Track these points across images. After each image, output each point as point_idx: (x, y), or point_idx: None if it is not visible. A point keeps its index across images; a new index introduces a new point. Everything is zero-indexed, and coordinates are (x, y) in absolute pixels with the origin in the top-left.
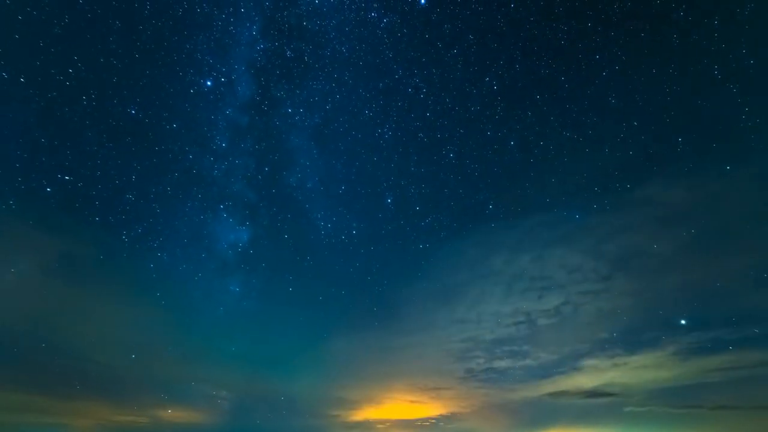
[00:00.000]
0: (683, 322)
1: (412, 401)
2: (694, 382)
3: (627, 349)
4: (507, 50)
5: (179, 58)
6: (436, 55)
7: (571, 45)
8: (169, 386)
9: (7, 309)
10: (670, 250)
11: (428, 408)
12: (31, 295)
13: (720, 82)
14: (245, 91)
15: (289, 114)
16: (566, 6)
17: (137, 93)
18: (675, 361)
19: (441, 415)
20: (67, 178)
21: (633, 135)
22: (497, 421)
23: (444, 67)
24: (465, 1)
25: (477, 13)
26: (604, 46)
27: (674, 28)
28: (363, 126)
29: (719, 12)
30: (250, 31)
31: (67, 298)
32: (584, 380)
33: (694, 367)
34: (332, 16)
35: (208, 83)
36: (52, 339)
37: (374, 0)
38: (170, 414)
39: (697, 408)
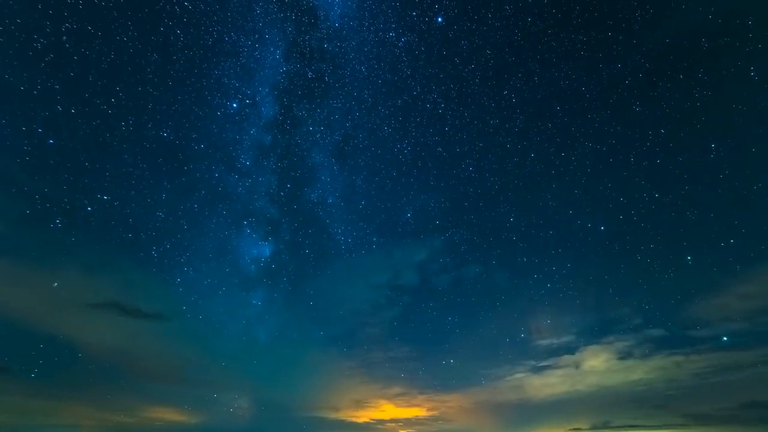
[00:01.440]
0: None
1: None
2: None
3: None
4: (525, 63)
5: (208, 83)
6: (453, 70)
7: (592, 55)
8: (191, 397)
9: (48, 320)
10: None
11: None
12: (69, 307)
13: (758, 84)
14: (269, 111)
15: (310, 132)
16: (585, 17)
17: (169, 117)
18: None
19: (430, 415)
20: (105, 197)
21: (660, 143)
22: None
23: (462, 82)
24: (481, 18)
25: (494, 28)
26: (626, 54)
27: (702, 32)
28: (382, 142)
29: (753, 11)
30: (274, 55)
31: (100, 309)
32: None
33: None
34: (352, 37)
35: (234, 105)
36: (85, 349)
37: (392, 20)
38: (193, 424)
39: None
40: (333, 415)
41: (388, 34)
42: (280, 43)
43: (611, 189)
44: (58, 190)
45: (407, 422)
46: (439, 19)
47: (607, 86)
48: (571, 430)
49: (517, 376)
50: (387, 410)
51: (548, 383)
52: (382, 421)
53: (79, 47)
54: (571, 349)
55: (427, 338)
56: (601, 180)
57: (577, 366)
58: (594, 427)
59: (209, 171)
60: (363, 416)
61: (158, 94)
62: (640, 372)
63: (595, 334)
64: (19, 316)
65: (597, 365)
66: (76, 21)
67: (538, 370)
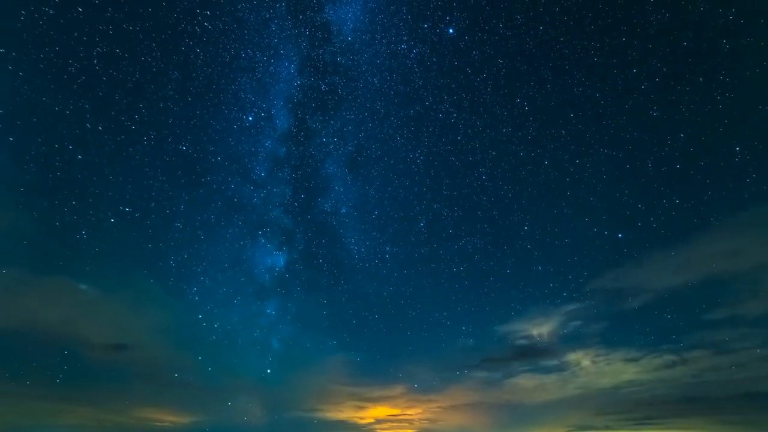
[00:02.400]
0: None
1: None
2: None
3: None
4: (537, 71)
5: (225, 98)
6: (465, 80)
7: (605, 61)
8: (206, 404)
9: (78, 326)
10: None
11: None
12: (93, 314)
13: None
14: (283, 123)
15: (323, 143)
16: (597, 24)
17: (188, 131)
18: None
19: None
20: (127, 209)
21: (680, 147)
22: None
23: (474, 91)
24: (492, 28)
25: (505, 38)
26: (641, 59)
27: (722, 33)
28: (395, 152)
29: None
30: (289, 69)
31: (120, 318)
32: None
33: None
34: (364, 50)
35: (250, 118)
36: (104, 356)
37: (404, 33)
38: (207, 429)
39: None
40: (338, 417)
41: (400, 47)
42: (294, 58)
43: (628, 196)
44: (85, 203)
45: (408, 422)
46: (451, 31)
47: (623, 92)
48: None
49: (517, 380)
50: (391, 411)
51: (553, 385)
52: (380, 420)
53: (108, 69)
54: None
55: (439, 347)
56: (617, 187)
57: (587, 372)
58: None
59: (225, 182)
60: (367, 417)
61: (178, 109)
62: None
63: (612, 342)
64: (46, 325)
65: (609, 370)
66: (106, 45)
67: (544, 371)
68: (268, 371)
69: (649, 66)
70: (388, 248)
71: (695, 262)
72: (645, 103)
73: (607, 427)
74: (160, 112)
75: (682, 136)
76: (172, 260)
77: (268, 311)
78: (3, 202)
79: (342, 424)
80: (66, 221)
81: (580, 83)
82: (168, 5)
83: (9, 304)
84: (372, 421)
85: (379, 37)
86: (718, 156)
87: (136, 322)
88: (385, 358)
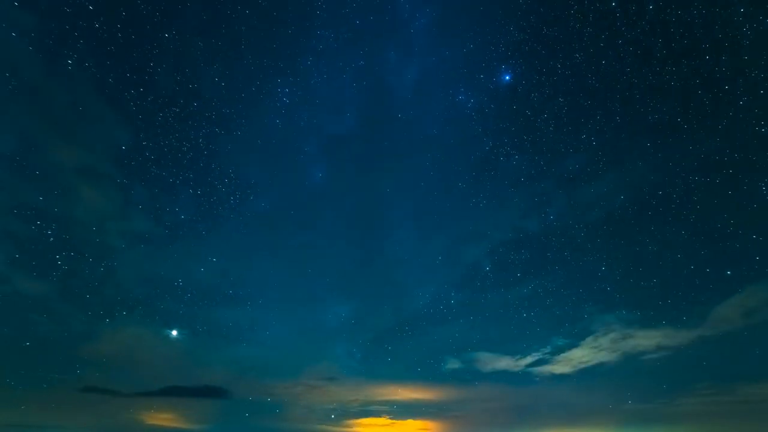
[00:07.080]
0: None
1: None
2: None
3: None
4: (603, 105)
5: (297, 157)
6: (525, 122)
7: (686, 83)
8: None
9: (164, 367)
10: None
11: None
12: (177, 353)
13: None
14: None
15: (386, 194)
16: (671, 48)
17: (267, 190)
18: None
19: None
20: (214, 260)
21: None
22: None
23: (535, 132)
24: (550, 69)
25: (564, 77)
26: (734, 75)
27: None
28: (456, 198)
29: None
30: (353, 128)
31: (206, 359)
32: None
33: None
34: (423, 104)
35: (319, 175)
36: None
37: (461, 85)
38: None
39: None
40: None
41: (458, 98)
42: (358, 116)
43: (734, 225)
44: (183, 255)
45: None
46: (507, 77)
47: (712, 112)
48: None
49: None
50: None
51: None
52: None
53: (209, 144)
54: None
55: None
56: (717, 217)
57: None
58: None
59: (297, 234)
60: None
61: (258, 170)
62: None
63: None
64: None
65: None
66: (208, 126)
67: None
68: (332, 416)
69: (747, 80)
70: (453, 293)
71: None
72: (746, 119)
73: None
74: (245, 174)
75: None
76: (249, 306)
77: (334, 360)
78: (128, 258)
79: None
80: (168, 269)
81: (656, 110)
82: (257, 89)
83: (126, 345)
84: None
85: (436, 91)
86: None
87: (217, 362)
88: (454, 407)
